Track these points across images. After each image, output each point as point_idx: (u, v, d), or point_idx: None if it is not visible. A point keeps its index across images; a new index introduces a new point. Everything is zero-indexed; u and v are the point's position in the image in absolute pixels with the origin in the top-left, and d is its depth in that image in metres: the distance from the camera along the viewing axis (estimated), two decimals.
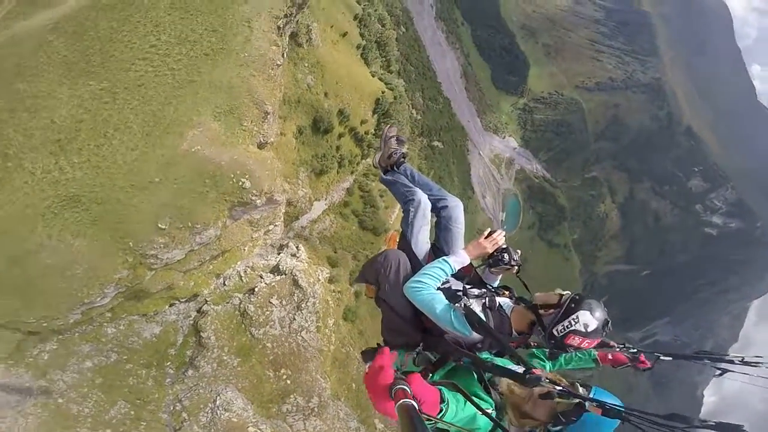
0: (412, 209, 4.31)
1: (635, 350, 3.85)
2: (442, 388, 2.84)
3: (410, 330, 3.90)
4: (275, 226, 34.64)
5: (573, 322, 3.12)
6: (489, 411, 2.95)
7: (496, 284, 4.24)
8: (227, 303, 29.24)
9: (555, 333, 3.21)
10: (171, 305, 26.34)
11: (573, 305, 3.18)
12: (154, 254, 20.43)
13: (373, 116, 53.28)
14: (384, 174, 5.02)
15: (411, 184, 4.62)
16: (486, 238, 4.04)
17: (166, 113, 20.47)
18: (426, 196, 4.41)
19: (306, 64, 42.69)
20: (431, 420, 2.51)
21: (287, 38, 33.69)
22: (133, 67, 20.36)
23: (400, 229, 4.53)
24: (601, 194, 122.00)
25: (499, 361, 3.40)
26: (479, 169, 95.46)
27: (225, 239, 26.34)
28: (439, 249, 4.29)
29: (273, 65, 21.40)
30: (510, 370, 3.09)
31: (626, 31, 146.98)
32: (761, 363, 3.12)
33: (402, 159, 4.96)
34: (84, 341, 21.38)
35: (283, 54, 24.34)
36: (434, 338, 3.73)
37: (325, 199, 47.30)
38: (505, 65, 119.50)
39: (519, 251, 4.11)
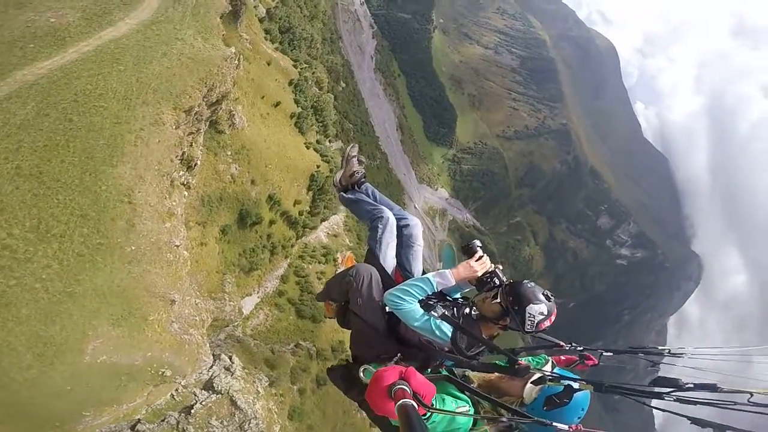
0: (380, 226, 4.12)
1: (581, 348, 3.54)
2: None
3: (383, 342, 3.69)
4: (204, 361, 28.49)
5: (531, 319, 3.17)
6: (466, 408, 2.91)
7: (457, 295, 3.98)
8: (162, 421, 24.37)
9: (528, 331, 3.22)
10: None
11: (517, 307, 3.22)
12: (83, 425, 16.03)
13: (308, 193, 47.62)
14: (344, 193, 4.70)
15: (375, 203, 4.45)
16: (477, 260, 3.66)
17: (53, 332, 14.62)
18: (392, 214, 4.23)
19: (229, 152, 36.26)
20: (426, 413, 2.36)
21: (200, 142, 27.31)
22: None
23: (351, 253, 4.84)
24: (525, 238, 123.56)
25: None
26: None
27: (154, 394, 21.72)
28: (400, 265, 4.15)
29: (170, 247, 15.11)
30: (496, 364, 3.18)
31: (537, 79, 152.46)
32: (684, 354, 2.95)
33: (363, 179, 4.68)
34: None
35: (184, 221, 18.05)
36: (412, 348, 3.59)
37: (257, 292, 40.71)
38: (435, 116, 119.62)
39: (501, 266, 3.74)
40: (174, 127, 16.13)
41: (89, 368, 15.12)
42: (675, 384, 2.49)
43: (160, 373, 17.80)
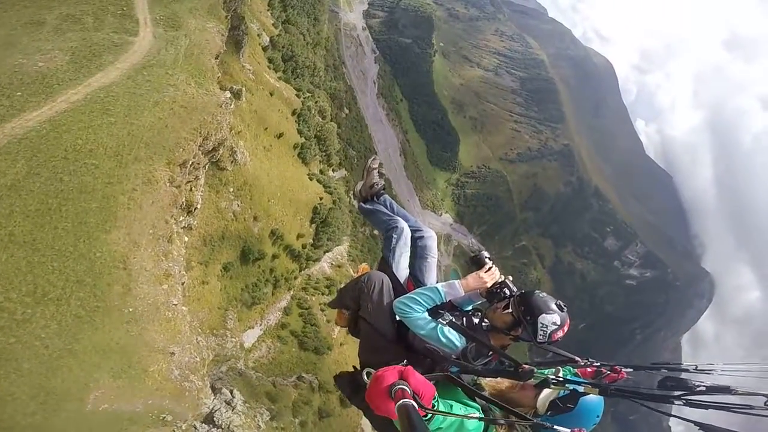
0: (394, 236, 4.18)
1: (598, 364, 3.29)
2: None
3: (391, 348, 3.68)
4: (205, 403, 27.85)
5: (544, 329, 3.15)
6: (476, 414, 2.83)
7: (469, 308, 3.95)
8: None
9: (540, 342, 3.19)
10: None
11: (529, 317, 3.19)
12: None
13: (311, 226, 47.35)
14: (363, 203, 4.82)
15: (392, 214, 4.54)
16: (486, 271, 3.65)
17: (55, 384, 14.14)
18: (407, 225, 4.28)
19: (231, 189, 36.23)
20: (427, 414, 2.28)
21: (200, 185, 27.18)
22: None
23: (367, 265, 4.58)
24: (532, 261, 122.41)
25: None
26: None
27: None
28: (413, 275, 4.18)
29: (168, 307, 14.73)
30: (501, 369, 3.16)
31: (537, 99, 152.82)
32: (713, 370, 2.58)
33: (382, 190, 4.80)
34: None
35: (183, 284, 17.66)
36: (419, 354, 3.55)
37: (260, 325, 40.07)
38: (438, 140, 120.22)
39: (511, 277, 3.70)
40: (168, 183, 15.59)
41: (92, 415, 14.94)
42: (685, 386, 2.39)
43: (161, 418, 17.17)
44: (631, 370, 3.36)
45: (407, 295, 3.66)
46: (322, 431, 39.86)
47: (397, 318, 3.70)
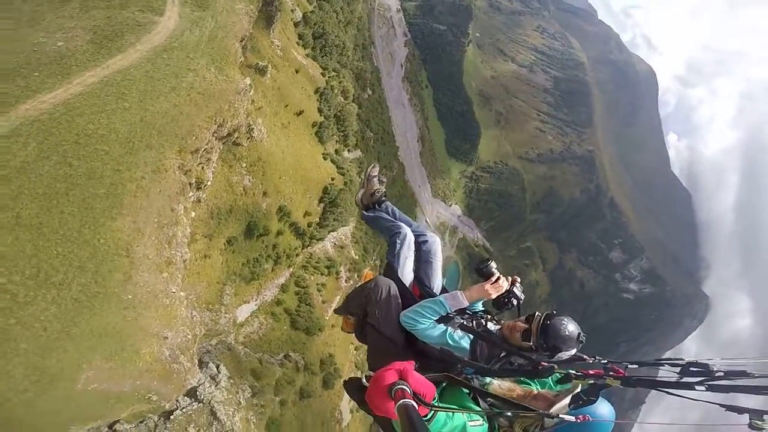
0: (398, 242, 4.23)
1: (606, 361, 3.31)
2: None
3: (400, 353, 3.64)
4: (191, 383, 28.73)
5: (559, 358, 3.18)
6: (480, 422, 2.78)
7: (477, 307, 4.05)
8: (141, 423, 25.03)
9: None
10: None
11: (549, 352, 3.20)
12: None
13: (319, 205, 47.64)
14: (366, 211, 4.89)
15: (394, 220, 4.58)
16: (492, 284, 3.67)
17: (49, 364, 14.49)
18: (410, 230, 4.35)
19: (244, 164, 36.45)
20: (428, 413, 2.33)
21: (213, 162, 27.49)
22: None
23: (372, 270, 4.21)
24: (534, 263, 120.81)
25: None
26: None
27: (137, 409, 22.07)
28: (419, 279, 4.22)
29: (167, 294, 15.20)
30: (519, 368, 3.20)
31: (569, 101, 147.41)
32: (714, 365, 2.65)
33: (384, 197, 4.86)
34: None
35: (182, 263, 18.12)
36: (432, 359, 3.62)
37: (255, 300, 40.86)
38: (459, 131, 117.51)
39: (518, 279, 3.77)
40: (177, 171, 15.71)
41: (81, 394, 15.49)
42: (706, 372, 2.45)
43: (147, 397, 18.03)
44: (637, 366, 3.44)
45: (412, 308, 3.68)
46: (301, 410, 40.90)
47: None
